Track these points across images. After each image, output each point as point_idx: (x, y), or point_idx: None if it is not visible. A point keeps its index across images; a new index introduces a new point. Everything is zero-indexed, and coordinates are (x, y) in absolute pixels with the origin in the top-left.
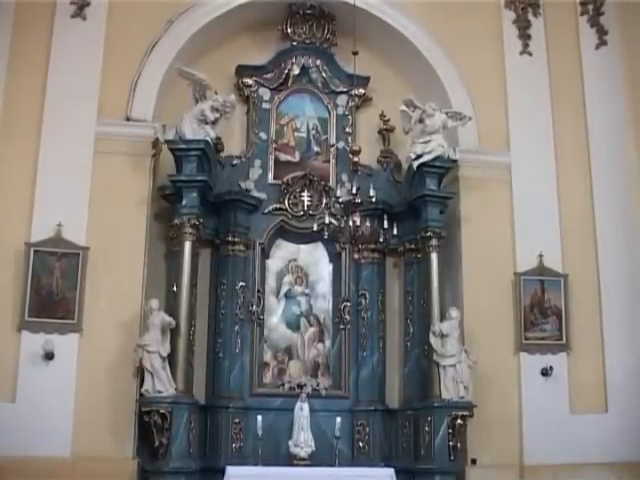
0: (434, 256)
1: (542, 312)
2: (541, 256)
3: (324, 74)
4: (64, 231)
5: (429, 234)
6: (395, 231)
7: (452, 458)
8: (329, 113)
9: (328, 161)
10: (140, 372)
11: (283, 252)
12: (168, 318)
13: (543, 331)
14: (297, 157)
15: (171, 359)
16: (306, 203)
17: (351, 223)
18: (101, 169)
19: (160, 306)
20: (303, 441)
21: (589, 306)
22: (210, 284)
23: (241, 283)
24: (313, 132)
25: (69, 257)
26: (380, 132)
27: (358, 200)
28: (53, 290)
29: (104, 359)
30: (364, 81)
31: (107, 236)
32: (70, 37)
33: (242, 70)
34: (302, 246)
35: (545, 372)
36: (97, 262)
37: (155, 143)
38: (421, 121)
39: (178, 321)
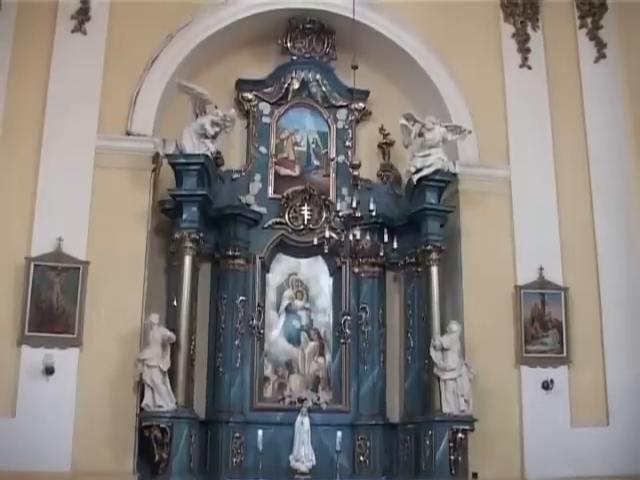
0: (434, 270)
1: (543, 325)
2: (541, 269)
3: (324, 88)
4: (64, 245)
5: (429, 248)
6: (395, 245)
7: (453, 472)
8: (329, 127)
9: (328, 175)
10: (140, 387)
11: (283, 266)
12: (168, 333)
13: (544, 344)
14: (297, 171)
15: (171, 374)
16: (306, 217)
17: (351, 237)
18: (101, 183)
19: (160, 321)
20: (304, 455)
21: (590, 319)
22: (210, 298)
23: (241, 297)
24: (313, 146)
25: (69, 271)
26: (380, 146)
27: (358, 214)
28: (53, 304)
29: (104, 374)
30: (364, 95)
31: (107, 250)
32: (70, 52)
33: (242, 84)
34: (302, 260)
35: (546, 385)
36: (97, 276)
37: (155, 157)
38: (421, 135)
39: (178, 336)
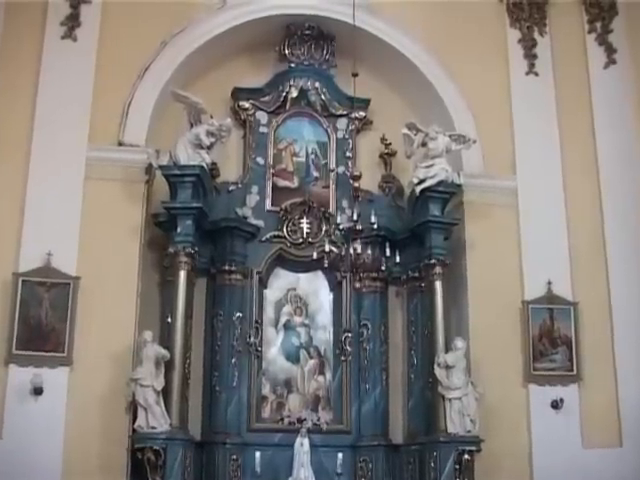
0: (438, 284)
1: (551, 342)
2: (550, 283)
3: (323, 96)
4: (54, 260)
5: (433, 262)
6: (397, 259)
7: None
8: (329, 137)
9: (328, 187)
10: (133, 407)
11: (282, 281)
12: (162, 350)
13: (553, 362)
14: (296, 183)
15: (165, 393)
16: (305, 230)
17: (352, 251)
18: (92, 196)
19: (154, 338)
20: (303, 478)
21: (601, 335)
22: (206, 315)
23: (238, 314)
24: (312, 157)
25: (59, 287)
26: (381, 156)
27: (359, 227)
28: (42, 322)
29: (95, 394)
30: (364, 104)
31: (98, 265)
32: (60, 59)
33: (238, 93)
34: (301, 275)
35: (555, 404)
36: (88, 292)
37: (148, 169)
38: (424, 145)
39: (173, 353)
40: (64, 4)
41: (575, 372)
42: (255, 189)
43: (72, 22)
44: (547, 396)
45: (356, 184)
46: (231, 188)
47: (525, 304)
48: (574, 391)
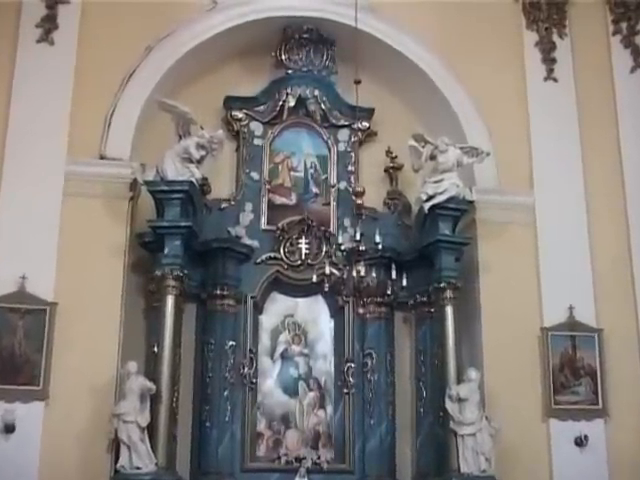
0: (449, 310)
1: (574, 372)
2: (571, 309)
3: (323, 106)
4: (28, 284)
5: (443, 285)
6: (404, 282)
7: None
8: (329, 150)
9: (328, 204)
10: (115, 445)
11: (278, 307)
12: (148, 383)
13: (576, 394)
14: (293, 199)
15: (151, 430)
16: (304, 251)
17: (355, 273)
18: (71, 214)
19: (139, 369)
20: None
21: (628, 365)
22: (196, 344)
23: (231, 342)
24: (311, 171)
25: (34, 314)
26: (386, 171)
27: (362, 247)
28: (15, 352)
29: (74, 431)
30: (368, 113)
31: (78, 290)
32: (36, 64)
33: (231, 102)
34: (300, 300)
35: (579, 442)
36: (66, 319)
37: (133, 184)
38: (433, 158)
39: (159, 386)
40: (39, 4)
41: (600, 406)
42: (249, 206)
43: (48, 24)
44: (570, 432)
45: (359, 201)
46: (223, 205)
47: (544, 331)
48: (600, 427)
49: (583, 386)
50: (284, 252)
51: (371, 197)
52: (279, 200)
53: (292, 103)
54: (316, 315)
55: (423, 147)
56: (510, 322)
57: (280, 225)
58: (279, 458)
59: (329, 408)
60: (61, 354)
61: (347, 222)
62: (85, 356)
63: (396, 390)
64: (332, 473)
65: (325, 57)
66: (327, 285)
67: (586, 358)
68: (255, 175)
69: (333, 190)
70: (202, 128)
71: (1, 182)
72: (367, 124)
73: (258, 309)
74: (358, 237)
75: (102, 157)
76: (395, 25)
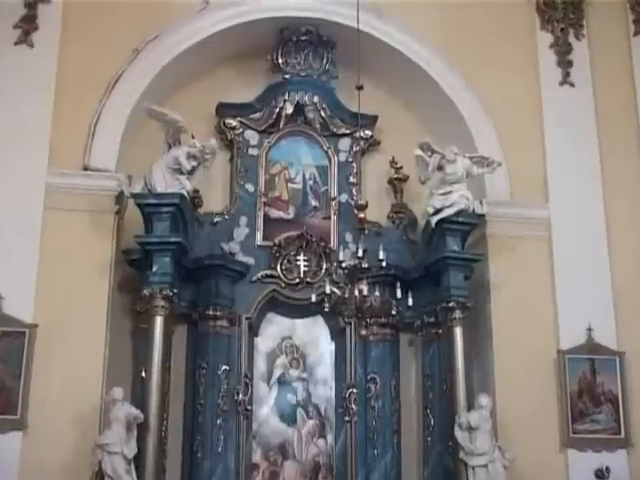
0: (458, 331)
1: (594, 399)
2: (590, 330)
3: (323, 113)
4: (5, 305)
5: (452, 305)
6: (410, 302)
7: None
8: (329, 160)
9: (329, 218)
10: (99, 478)
11: (275, 328)
12: (135, 411)
13: (596, 422)
14: (291, 213)
15: (138, 461)
16: (302, 269)
17: (357, 293)
18: (53, 229)
19: (125, 396)
20: None
21: None
22: (186, 368)
23: (224, 367)
24: (310, 183)
25: (12, 337)
26: (391, 182)
27: (365, 265)
28: None
29: (54, 463)
30: (371, 121)
31: (60, 311)
32: (13, 68)
33: (224, 109)
34: (298, 321)
35: (600, 474)
36: (47, 343)
37: (119, 197)
38: (440, 168)
39: (147, 414)
40: (18, 3)
41: (623, 435)
42: (244, 221)
43: (28, 25)
44: (590, 464)
45: (361, 215)
46: (216, 220)
47: (561, 354)
48: (622, 458)
49: (604, 414)
50: (281, 270)
51: (374, 211)
52: (276, 214)
53: (290, 110)
54: (315, 337)
55: (430, 157)
56: (524, 344)
57: (277, 241)
58: None
59: (330, 437)
60: (41, 380)
61: (349, 237)
62: (67, 382)
63: (402, 418)
64: None
65: (325, 61)
66: (327, 305)
67: (607, 383)
68: (250, 187)
69: (334, 203)
70: (193, 137)
71: None
72: (370, 132)
73: (253, 331)
74: (360, 253)
75: (86, 168)
76: (400, 26)
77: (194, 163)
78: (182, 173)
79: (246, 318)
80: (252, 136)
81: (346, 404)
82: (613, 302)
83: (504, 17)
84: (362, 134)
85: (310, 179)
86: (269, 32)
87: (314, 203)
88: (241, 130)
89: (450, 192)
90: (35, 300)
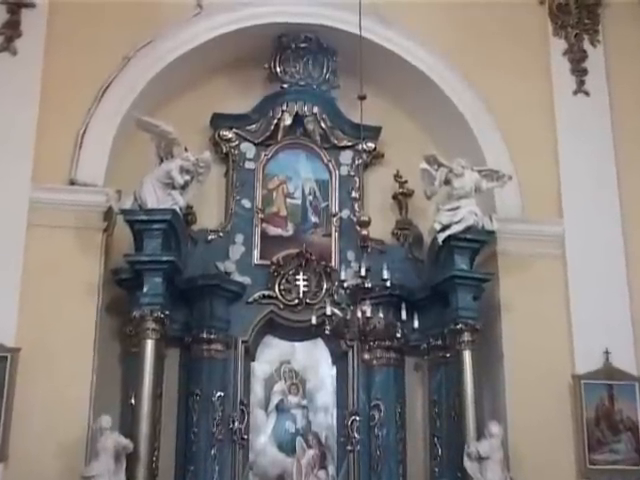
0: (467, 355)
1: (612, 427)
2: (607, 353)
3: (323, 124)
4: None
5: (460, 327)
6: (416, 323)
7: None
8: (330, 174)
9: (329, 235)
10: None
11: (273, 352)
12: (124, 440)
13: (614, 452)
14: (290, 230)
15: None
16: (302, 289)
17: (360, 314)
18: (37, 246)
19: (113, 425)
20: None
21: None
22: (179, 394)
23: (219, 393)
24: (310, 198)
25: None
26: (395, 197)
27: (368, 284)
28: None
29: None
30: (374, 132)
31: (44, 334)
32: None
33: (219, 120)
34: (297, 344)
35: None
36: (30, 368)
37: (108, 214)
38: (447, 182)
39: (137, 444)
40: (0, 9)
41: None
42: (240, 238)
43: (10, 31)
44: None
45: (364, 231)
46: (210, 237)
47: (577, 379)
48: None
49: (623, 443)
50: (279, 290)
51: (378, 227)
52: (273, 231)
53: (288, 121)
54: (316, 361)
55: (436, 170)
56: (537, 369)
57: (275, 259)
58: None
59: (331, 468)
60: (23, 407)
61: (351, 256)
62: (51, 410)
63: (407, 447)
64: None
65: (325, 69)
66: (328, 327)
67: (625, 410)
68: (246, 203)
69: (335, 219)
70: (186, 150)
71: None
72: (373, 144)
73: (250, 355)
74: (363, 273)
75: (72, 183)
76: (404, 33)
77: (187, 177)
78: (174, 188)
79: (242, 341)
80: (248, 149)
81: (348, 432)
82: (632, 323)
83: (515, 23)
84: (365, 146)
85: (310, 194)
86: (266, 39)
87: (314, 219)
88: (237, 142)
89: (458, 207)
90: (18, 322)
